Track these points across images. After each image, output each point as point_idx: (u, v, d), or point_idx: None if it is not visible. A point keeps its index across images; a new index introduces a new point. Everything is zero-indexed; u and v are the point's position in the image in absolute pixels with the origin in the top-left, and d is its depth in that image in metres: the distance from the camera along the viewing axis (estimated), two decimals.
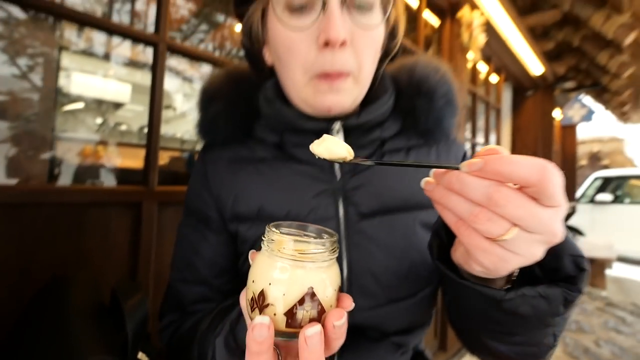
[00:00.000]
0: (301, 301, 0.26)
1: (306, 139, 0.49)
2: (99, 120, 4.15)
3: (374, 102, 0.49)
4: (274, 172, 0.51)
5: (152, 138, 0.94)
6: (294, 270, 0.27)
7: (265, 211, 0.49)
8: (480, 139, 3.38)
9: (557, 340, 0.35)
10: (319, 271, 0.28)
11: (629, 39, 2.70)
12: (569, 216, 5.66)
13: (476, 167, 0.24)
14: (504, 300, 0.30)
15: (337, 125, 0.48)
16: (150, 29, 0.92)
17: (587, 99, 5.19)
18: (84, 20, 0.87)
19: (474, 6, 2.34)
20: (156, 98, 0.93)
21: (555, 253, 0.30)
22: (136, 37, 0.94)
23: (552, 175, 0.23)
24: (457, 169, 0.26)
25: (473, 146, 3.02)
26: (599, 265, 4.25)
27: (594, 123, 4.67)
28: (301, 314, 0.26)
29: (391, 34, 0.50)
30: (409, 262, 0.48)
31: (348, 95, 0.45)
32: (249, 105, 0.54)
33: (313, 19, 0.41)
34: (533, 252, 0.26)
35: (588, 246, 4.94)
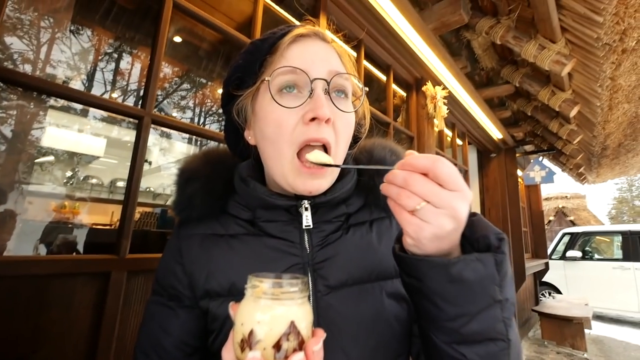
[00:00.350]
0: (285, 334, 0.32)
1: (277, 215, 0.54)
2: (69, 173, 4.04)
3: (339, 181, 0.55)
4: (246, 247, 0.53)
5: (127, 207, 0.94)
6: (276, 308, 0.32)
7: (237, 287, 0.50)
8: None
9: (509, 334, 0.37)
10: (296, 307, 0.33)
11: (573, 112, 3.06)
12: (542, 273, 5.74)
13: (401, 164, 0.36)
14: (451, 264, 0.35)
15: (306, 203, 0.53)
16: (132, 86, 0.98)
17: (547, 161, 5.64)
18: (71, 97, 0.91)
19: (436, 82, 2.63)
20: (136, 170, 0.95)
21: (485, 235, 0.38)
22: (121, 111, 0.99)
23: (440, 163, 0.34)
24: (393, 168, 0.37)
25: None
26: (578, 325, 4.22)
27: (559, 180, 4.99)
28: (286, 345, 0.31)
29: (359, 124, 0.60)
30: (377, 333, 0.50)
31: (326, 178, 0.51)
32: (225, 185, 0.58)
33: (301, 102, 0.48)
34: (441, 223, 0.34)
35: (565, 304, 4.97)
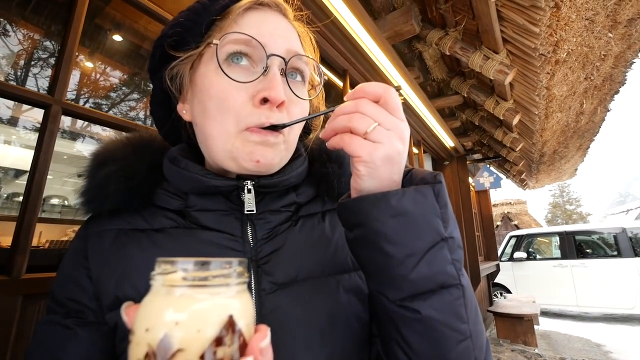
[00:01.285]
0: (220, 336, 0.21)
1: (214, 203, 0.45)
2: None
3: (288, 164, 0.49)
4: (174, 243, 0.44)
5: (26, 213, 0.75)
6: (204, 299, 0.22)
7: None
8: None
9: (461, 279, 0.35)
10: (234, 297, 0.23)
11: (515, 120, 3.28)
12: (494, 274, 6.04)
13: (351, 93, 0.36)
14: (390, 195, 0.34)
15: (249, 184, 0.45)
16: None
17: (494, 168, 6.04)
18: None
19: None
20: (39, 166, 0.76)
21: (422, 177, 0.38)
22: (22, 98, 0.80)
23: (392, 92, 0.35)
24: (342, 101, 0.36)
25: None
26: (529, 322, 4.46)
27: (503, 188, 5.33)
28: (222, 352, 0.21)
29: None
30: (335, 337, 0.42)
31: (277, 152, 0.44)
32: (149, 169, 0.47)
33: (253, 77, 0.42)
34: (392, 143, 0.34)
35: (516, 303, 5.25)
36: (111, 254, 0.43)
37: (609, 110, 4.31)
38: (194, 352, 0.21)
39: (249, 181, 0.45)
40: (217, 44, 0.42)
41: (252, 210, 0.45)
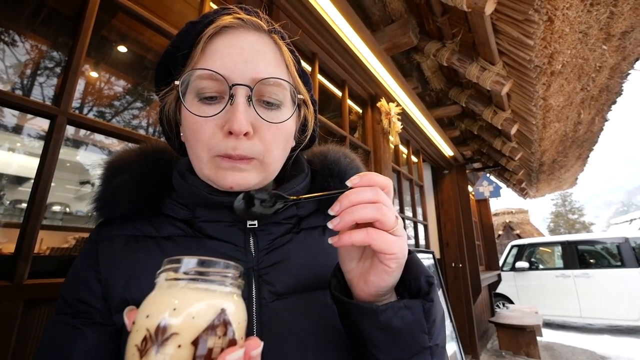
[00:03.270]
0: (212, 326, 0.23)
1: (219, 215, 0.47)
2: None
3: (288, 182, 0.51)
4: (181, 250, 0.46)
5: (30, 219, 0.78)
6: (201, 291, 0.25)
7: None
8: (408, 213, 3.60)
9: None
10: (228, 295, 0.26)
11: (513, 130, 3.30)
12: (495, 284, 5.99)
13: (357, 179, 0.35)
14: (380, 312, 0.35)
15: None
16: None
17: (493, 177, 6.04)
18: None
19: (390, 99, 2.70)
20: (44, 173, 0.79)
21: (416, 276, 0.38)
22: (28, 108, 0.83)
23: (392, 184, 0.36)
24: (346, 188, 0.35)
25: (403, 219, 3.18)
26: (531, 333, 4.41)
27: (503, 197, 5.33)
28: (212, 341, 0.23)
29: (302, 128, 0.56)
30: (327, 347, 0.44)
31: (252, 175, 0.45)
32: (159, 179, 0.50)
33: (221, 108, 0.43)
34: (405, 235, 0.36)
35: (518, 314, 5.20)
36: (121, 259, 0.45)
37: (606, 120, 4.33)
38: (188, 336, 0.23)
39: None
40: (178, 85, 0.44)
41: (255, 225, 0.48)
